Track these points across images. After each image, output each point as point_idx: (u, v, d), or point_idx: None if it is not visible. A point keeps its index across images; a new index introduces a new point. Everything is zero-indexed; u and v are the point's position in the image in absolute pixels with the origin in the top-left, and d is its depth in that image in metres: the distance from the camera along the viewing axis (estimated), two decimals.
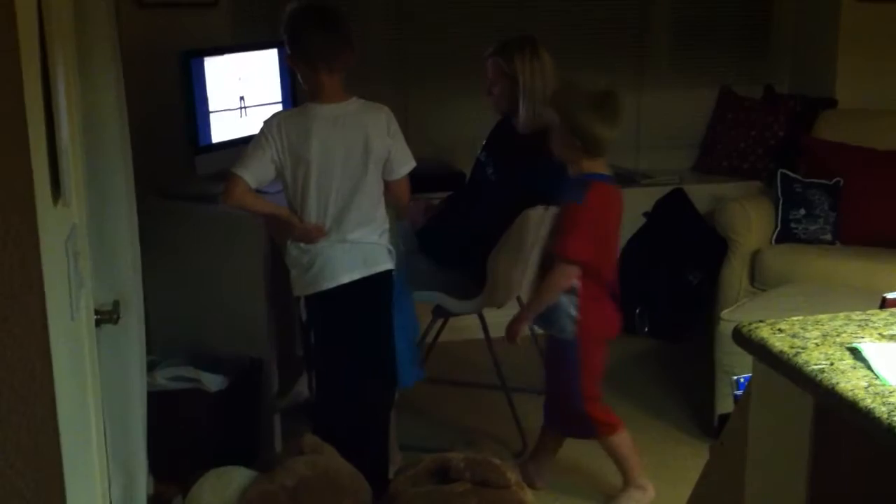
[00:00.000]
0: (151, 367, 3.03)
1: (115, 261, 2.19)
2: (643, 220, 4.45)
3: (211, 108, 3.46)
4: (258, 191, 2.90)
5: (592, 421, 3.03)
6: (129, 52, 2.65)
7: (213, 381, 3.07)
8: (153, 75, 3.41)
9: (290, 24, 2.81)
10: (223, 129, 3.50)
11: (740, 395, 2.14)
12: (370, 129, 2.80)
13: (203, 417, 3.06)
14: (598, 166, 2.90)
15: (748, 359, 1.84)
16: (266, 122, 2.81)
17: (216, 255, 3.26)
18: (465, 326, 3.75)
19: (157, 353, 3.18)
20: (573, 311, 2.92)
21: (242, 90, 3.59)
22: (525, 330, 3.01)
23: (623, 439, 3.05)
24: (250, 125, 3.47)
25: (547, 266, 2.99)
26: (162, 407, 2.88)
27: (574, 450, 3.28)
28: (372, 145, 2.80)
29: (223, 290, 3.25)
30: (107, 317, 1.98)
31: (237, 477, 2.66)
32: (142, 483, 2.37)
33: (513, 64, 3.29)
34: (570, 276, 2.87)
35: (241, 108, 3.58)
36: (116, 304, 2.02)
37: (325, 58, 2.76)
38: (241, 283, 3.23)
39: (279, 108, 3.64)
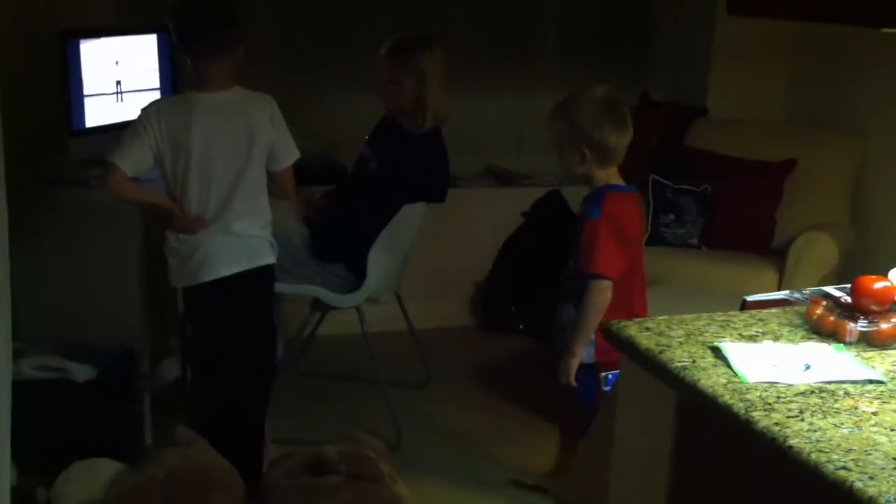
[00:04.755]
0: (16, 356, 2.93)
1: None
2: (521, 220, 4.53)
3: (86, 92, 3.37)
4: (134, 179, 2.83)
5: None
6: (3, 30, 2.56)
7: (81, 372, 2.99)
8: (28, 56, 3.30)
9: (174, 11, 2.76)
10: (98, 113, 3.41)
11: (609, 392, 2.22)
12: (254, 119, 2.77)
13: (70, 408, 2.98)
14: (612, 176, 2.77)
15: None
16: (144, 110, 2.75)
17: (88, 242, 3.17)
18: (343, 320, 3.75)
19: (23, 342, 3.07)
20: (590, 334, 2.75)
21: (119, 75, 3.50)
22: (574, 366, 2.73)
23: None
24: (127, 111, 3.39)
25: (568, 292, 2.83)
26: (26, 397, 2.79)
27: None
28: (256, 135, 2.77)
29: (95, 278, 3.17)
30: None
31: (104, 469, 2.60)
32: (5, 475, 2.30)
33: (412, 64, 3.31)
34: (608, 293, 2.69)
35: (117, 92, 3.50)
36: None
37: (208, 46, 2.72)
38: (113, 270, 3.15)
39: (157, 94, 3.57)
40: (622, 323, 1.88)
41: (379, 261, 3.35)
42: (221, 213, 2.77)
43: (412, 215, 3.41)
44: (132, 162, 2.69)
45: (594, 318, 2.70)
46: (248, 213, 2.80)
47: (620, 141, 2.73)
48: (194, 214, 2.76)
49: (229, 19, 2.74)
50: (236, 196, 2.77)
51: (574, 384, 2.75)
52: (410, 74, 3.31)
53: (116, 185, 2.69)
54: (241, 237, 2.80)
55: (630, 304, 2.79)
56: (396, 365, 3.86)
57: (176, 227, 2.79)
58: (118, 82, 3.51)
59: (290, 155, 2.88)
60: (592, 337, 2.73)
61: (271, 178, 2.86)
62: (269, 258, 2.88)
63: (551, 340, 2.94)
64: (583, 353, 2.75)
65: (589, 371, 2.75)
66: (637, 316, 2.70)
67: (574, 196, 4.49)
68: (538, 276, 4.45)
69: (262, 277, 2.88)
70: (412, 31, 3.47)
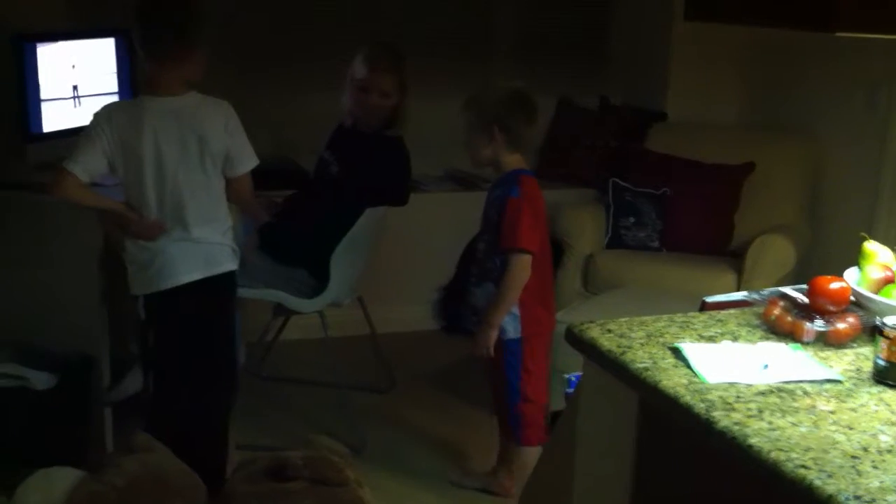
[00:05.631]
0: None
1: None
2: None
3: (43, 96, 3.34)
4: (96, 184, 2.81)
5: (522, 424, 2.99)
6: None
7: (40, 379, 2.96)
8: None
9: (136, 13, 2.74)
10: (56, 118, 3.38)
11: (571, 393, 2.24)
12: (206, 125, 2.73)
13: (29, 416, 2.94)
14: (519, 162, 2.94)
15: (580, 359, 1.93)
16: (96, 114, 2.72)
17: (46, 248, 3.14)
18: (305, 325, 3.74)
19: None
20: (514, 309, 2.91)
21: (76, 79, 3.47)
22: (493, 338, 2.91)
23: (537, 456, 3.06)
24: (84, 115, 3.36)
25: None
26: None
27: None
28: (207, 141, 2.72)
29: (53, 284, 3.13)
30: None
31: (65, 478, 2.56)
32: None
33: (402, 78, 3.35)
34: (528, 268, 2.86)
35: (74, 97, 3.47)
36: None
37: (155, 48, 2.70)
38: (72, 276, 3.12)
39: (115, 98, 3.54)
40: (584, 325, 1.89)
41: (341, 265, 3.35)
42: (179, 219, 2.74)
43: (374, 219, 3.41)
44: (86, 167, 2.66)
45: (516, 292, 2.88)
46: (207, 219, 2.77)
47: (528, 130, 2.93)
48: (152, 220, 2.74)
49: (184, 26, 2.71)
50: (193, 202, 2.74)
51: (492, 355, 2.93)
52: (399, 89, 3.34)
53: (67, 190, 2.66)
54: (201, 244, 2.78)
55: (544, 277, 2.98)
56: (359, 369, 3.87)
57: (133, 232, 2.76)
58: (75, 87, 3.47)
59: (246, 162, 2.82)
60: (517, 312, 2.91)
61: (228, 184, 2.83)
62: (230, 265, 2.86)
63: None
64: (509, 328, 2.92)
65: (515, 344, 2.94)
66: (549, 297, 3.04)
67: None
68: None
69: (223, 284, 2.85)
70: (378, 38, 3.48)
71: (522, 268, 2.86)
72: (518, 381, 2.98)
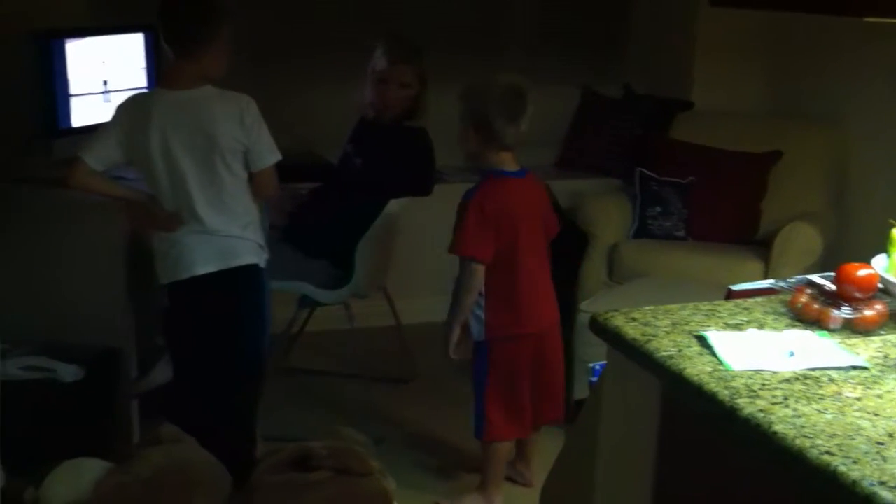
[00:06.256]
0: (1, 356, 2.93)
1: None
2: None
3: (72, 92, 3.36)
4: (120, 177, 2.82)
5: (485, 420, 2.97)
6: None
7: (67, 372, 2.98)
8: (9, 56, 3.29)
9: (161, 3, 2.76)
10: (85, 112, 3.40)
11: (595, 382, 2.23)
12: (215, 121, 2.71)
13: (57, 408, 2.97)
14: (503, 160, 2.84)
15: (604, 348, 1.92)
16: (118, 105, 2.77)
17: (72, 241, 3.16)
18: (330, 316, 3.75)
19: (8, 342, 3.06)
20: (479, 312, 2.89)
21: (105, 74, 3.50)
22: (455, 337, 2.90)
23: (502, 451, 3.02)
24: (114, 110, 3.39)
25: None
26: (13, 398, 2.79)
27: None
28: (216, 136, 2.71)
29: (80, 277, 3.16)
30: None
31: (92, 468, 2.59)
32: None
33: (421, 70, 3.37)
34: (477, 274, 2.80)
35: (104, 92, 3.49)
36: None
37: (172, 41, 2.73)
38: (98, 269, 3.14)
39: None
40: (608, 314, 1.88)
41: (366, 256, 3.35)
42: (195, 212, 2.74)
43: (398, 210, 3.41)
44: (99, 156, 2.69)
45: (466, 298, 2.85)
46: (223, 212, 2.77)
47: (507, 128, 2.79)
48: (169, 212, 2.75)
49: (200, 23, 2.71)
50: (202, 194, 2.73)
51: (453, 357, 2.93)
52: (418, 80, 3.35)
53: (80, 178, 2.69)
54: (219, 237, 2.77)
55: (512, 288, 2.89)
56: (384, 360, 3.87)
57: (153, 224, 2.78)
58: (105, 82, 3.50)
59: (265, 157, 2.80)
60: (481, 315, 2.88)
61: (251, 178, 2.83)
62: (251, 258, 2.83)
63: None
64: (474, 331, 2.91)
65: (481, 347, 2.93)
66: (521, 303, 2.90)
67: (560, 191, 4.49)
68: None
69: (242, 278, 2.83)
70: (395, 31, 3.48)
71: (469, 273, 2.82)
72: (483, 381, 2.96)
